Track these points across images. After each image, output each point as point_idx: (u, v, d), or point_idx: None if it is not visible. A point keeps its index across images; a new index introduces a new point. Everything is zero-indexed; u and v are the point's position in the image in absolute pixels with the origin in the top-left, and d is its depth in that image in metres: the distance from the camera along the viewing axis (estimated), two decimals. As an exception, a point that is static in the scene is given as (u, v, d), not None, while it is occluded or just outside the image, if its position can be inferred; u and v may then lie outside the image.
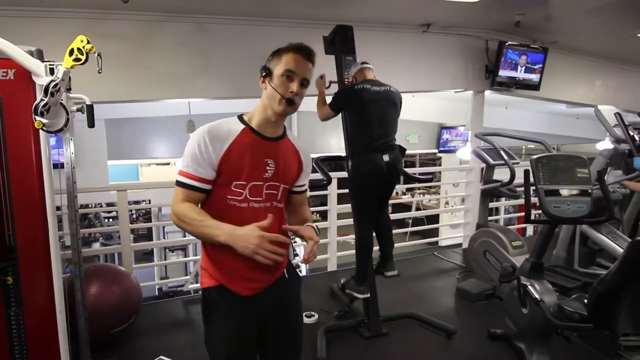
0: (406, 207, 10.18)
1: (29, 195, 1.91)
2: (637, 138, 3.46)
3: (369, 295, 2.83)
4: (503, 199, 5.50)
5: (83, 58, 1.71)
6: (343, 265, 4.34)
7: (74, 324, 2.12)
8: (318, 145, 7.86)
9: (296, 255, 5.52)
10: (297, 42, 1.41)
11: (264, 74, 1.41)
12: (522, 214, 6.50)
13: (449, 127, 8.83)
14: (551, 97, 5.70)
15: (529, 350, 2.41)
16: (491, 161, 3.61)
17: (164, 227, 7.48)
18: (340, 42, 2.94)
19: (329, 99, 2.81)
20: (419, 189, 11.20)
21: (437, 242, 7.50)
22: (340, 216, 4.30)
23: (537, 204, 2.30)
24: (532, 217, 2.44)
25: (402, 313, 3.07)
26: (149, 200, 7.30)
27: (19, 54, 1.78)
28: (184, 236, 6.75)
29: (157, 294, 5.88)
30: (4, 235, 1.89)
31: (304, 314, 3.05)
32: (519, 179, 3.09)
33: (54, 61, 1.84)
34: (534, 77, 5.10)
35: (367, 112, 2.67)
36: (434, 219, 8.11)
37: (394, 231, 3.14)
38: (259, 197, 1.40)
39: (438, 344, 2.80)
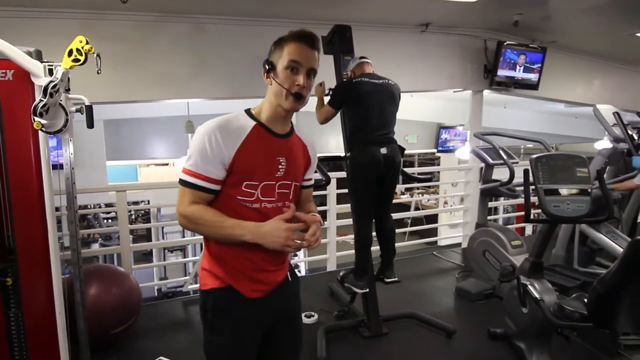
0: (405, 207, 10.18)
1: (28, 196, 1.91)
2: (635, 137, 3.47)
3: (367, 290, 2.83)
4: (502, 198, 5.50)
5: (82, 59, 1.71)
6: (342, 265, 4.33)
7: (74, 325, 2.11)
8: (317, 145, 7.77)
9: (295, 255, 5.52)
10: (298, 29, 1.30)
11: (267, 68, 1.31)
12: (521, 213, 6.51)
13: (447, 126, 8.83)
14: (550, 97, 5.70)
15: (529, 350, 2.42)
16: (490, 161, 3.61)
17: (163, 228, 7.47)
18: (339, 42, 2.94)
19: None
20: (417, 188, 11.20)
21: (436, 242, 7.50)
22: (340, 216, 4.29)
23: (537, 204, 2.31)
24: (532, 216, 2.44)
25: (402, 313, 3.07)
26: (148, 201, 7.29)
27: (18, 54, 1.78)
28: (183, 236, 6.77)
29: (156, 294, 5.88)
30: (3, 236, 1.89)
31: (303, 314, 3.05)
32: (518, 178, 3.10)
33: (52, 62, 1.84)
34: (533, 76, 5.11)
35: (366, 104, 2.67)
36: (433, 218, 8.11)
37: (394, 231, 3.14)
38: (272, 197, 1.33)
39: (438, 343, 2.80)
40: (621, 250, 3.22)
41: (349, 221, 3.10)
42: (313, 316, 3.08)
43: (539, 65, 5.07)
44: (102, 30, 3.37)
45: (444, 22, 4.48)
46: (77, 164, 2.10)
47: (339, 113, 2.81)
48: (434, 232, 8.12)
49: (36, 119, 1.74)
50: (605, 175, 3.58)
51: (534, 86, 5.17)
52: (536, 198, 2.26)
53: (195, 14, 3.67)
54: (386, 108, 2.73)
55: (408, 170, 3.23)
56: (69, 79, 1.85)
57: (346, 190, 2.99)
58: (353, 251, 2.94)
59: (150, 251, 7.51)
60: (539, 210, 2.30)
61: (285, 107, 1.30)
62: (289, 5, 3.67)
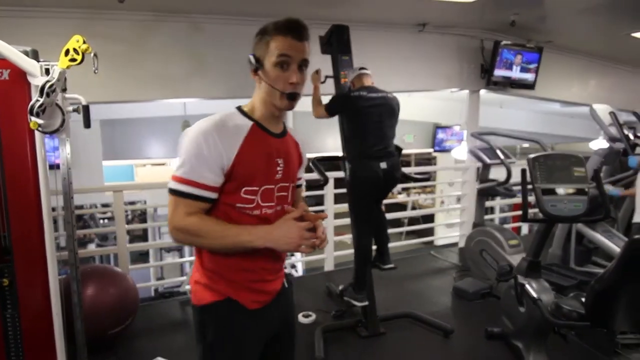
0: (402, 206, 10.19)
1: (25, 196, 1.89)
2: (631, 137, 3.49)
3: (367, 303, 2.84)
4: (498, 198, 5.52)
5: (79, 58, 1.70)
6: (340, 265, 4.34)
7: (71, 326, 2.10)
8: (314, 145, 7.85)
9: (292, 255, 5.52)
10: (284, 18, 1.18)
11: (254, 65, 1.19)
12: (517, 212, 6.52)
13: (444, 126, 8.86)
14: (546, 97, 5.73)
15: (526, 349, 2.42)
16: (487, 160, 3.62)
17: (159, 228, 7.45)
18: (337, 42, 2.94)
19: (324, 99, 2.81)
20: (414, 188, 11.22)
21: (432, 242, 7.52)
22: (337, 216, 4.29)
23: (534, 203, 2.31)
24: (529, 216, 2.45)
25: (400, 312, 3.07)
26: (145, 201, 7.27)
27: (14, 54, 1.76)
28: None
29: (153, 294, 5.87)
30: (0, 236, 1.88)
31: (301, 314, 3.06)
32: (515, 178, 3.11)
33: (49, 61, 1.82)
34: (529, 76, 5.12)
35: (363, 120, 2.68)
36: (429, 218, 8.13)
37: (390, 230, 3.15)
38: (271, 201, 1.24)
39: (435, 343, 2.80)
40: (617, 249, 3.25)
41: (347, 221, 3.10)
42: (311, 316, 3.08)
43: (536, 65, 5.09)
44: (99, 29, 3.35)
45: (441, 22, 4.49)
46: (73, 164, 2.09)
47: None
48: (430, 232, 8.14)
49: (33, 118, 1.73)
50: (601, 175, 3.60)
51: (530, 86, 5.19)
52: (534, 197, 2.27)
53: (193, 14, 3.66)
54: (385, 122, 2.73)
55: (405, 169, 3.23)
56: (65, 78, 1.83)
57: (344, 190, 2.99)
58: (350, 251, 2.94)
59: (146, 251, 7.50)
60: (536, 210, 2.31)
61: (280, 106, 1.21)
62: (286, 4, 3.66)
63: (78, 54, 1.69)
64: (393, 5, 3.87)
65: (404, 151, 2.86)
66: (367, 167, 2.69)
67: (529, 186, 2.27)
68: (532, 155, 2.28)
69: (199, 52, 3.75)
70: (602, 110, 3.60)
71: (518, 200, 5.09)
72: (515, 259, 2.92)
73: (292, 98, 1.19)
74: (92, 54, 1.76)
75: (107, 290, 2.61)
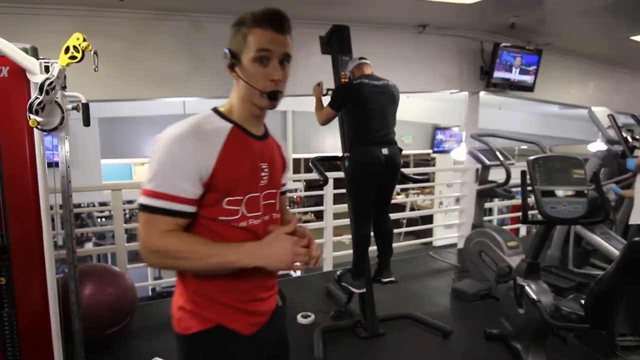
0: (400, 207, 10.20)
1: (23, 195, 1.88)
2: (629, 139, 3.50)
3: (364, 290, 2.82)
4: (496, 199, 5.53)
5: (79, 56, 1.69)
6: (339, 266, 4.33)
7: (68, 325, 2.09)
8: (313, 145, 7.86)
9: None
10: (263, 8, 1.06)
11: (230, 61, 1.06)
12: (516, 214, 6.53)
13: (443, 127, 8.86)
14: (545, 99, 5.75)
15: (525, 351, 2.42)
16: (487, 162, 3.62)
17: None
18: (337, 42, 2.94)
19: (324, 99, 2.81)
20: (413, 189, 11.23)
21: (431, 243, 7.52)
22: (336, 216, 4.29)
23: (533, 205, 2.31)
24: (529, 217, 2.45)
25: (399, 313, 3.07)
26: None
27: (14, 51, 1.75)
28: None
29: (150, 294, 5.85)
30: (-3, 235, 1.87)
31: (300, 314, 3.05)
32: (514, 179, 3.11)
33: (49, 59, 1.82)
34: (529, 78, 5.14)
35: (367, 105, 2.67)
36: (428, 219, 8.13)
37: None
38: (257, 211, 1.10)
39: (434, 344, 2.80)
40: (615, 251, 3.26)
41: (346, 221, 3.09)
42: (310, 317, 3.07)
43: (535, 67, 5.11)
44: (100, 27, 3.35)
45: (441, 23, 4.50)
46: (71, 162, 2.09)
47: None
48: (429, 233, 8.14)
49: (32, 116, 1.72)
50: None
51: (529, 88, 5.21)
52: (533, 199, 2.27)
53: (193, 13, 3.65)
54: (386, 108, 2.73)
55: (405, 170, 3.23)
56: (65, 76, 1.82)
57: (343, 191, 2.97)
58: (349, 251, 2.93)
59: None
60: (535, 211, 2.31)
61: (262, 105, 1.08)
62: (286, 4, 3.65)
63: (78, 51, 1.68)
64: (393, 6, 3.87)
65: (403, 152, 2.86)
66: (368, 153, 2.67)
67: (529, 188, 2.28)
68: (531, 157, 2.28)
69: (199, 51, 3.74)
70: (601, 112, 3.61)
71: (516, 201, 5.11)
72: (514, 261, 2.92)
73: (274, 97, 1.06)
74: (92, 52, 1.75)
75: (105, 289, 2.60)
